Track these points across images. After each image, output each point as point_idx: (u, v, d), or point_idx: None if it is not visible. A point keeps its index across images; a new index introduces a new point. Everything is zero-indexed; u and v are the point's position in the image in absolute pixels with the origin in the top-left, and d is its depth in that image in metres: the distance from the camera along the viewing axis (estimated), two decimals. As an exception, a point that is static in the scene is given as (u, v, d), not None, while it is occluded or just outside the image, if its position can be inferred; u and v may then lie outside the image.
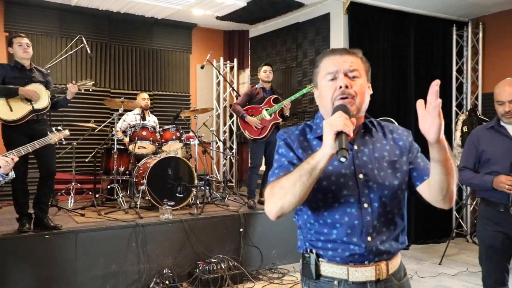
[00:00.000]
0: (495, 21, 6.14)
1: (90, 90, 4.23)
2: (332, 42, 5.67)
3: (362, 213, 1.39)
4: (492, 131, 2.75)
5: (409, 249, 5.69)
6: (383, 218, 1.42)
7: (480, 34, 6.25)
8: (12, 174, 2.80)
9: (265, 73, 5.12)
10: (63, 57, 5.44)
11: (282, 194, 1.31)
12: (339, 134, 1.23)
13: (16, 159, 2.79)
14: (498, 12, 6.03)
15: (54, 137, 3.57)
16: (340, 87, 1.39)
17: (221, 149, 7.19)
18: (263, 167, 5.25)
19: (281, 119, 5.07)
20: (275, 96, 5.14)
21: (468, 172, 2.79)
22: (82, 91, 4.14)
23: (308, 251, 1.46)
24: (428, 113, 1.23)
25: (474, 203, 5.95)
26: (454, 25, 6.25)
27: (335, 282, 1.42)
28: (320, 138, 1.45)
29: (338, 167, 1.41)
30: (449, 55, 6.29)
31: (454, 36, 6.28)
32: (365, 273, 1.40)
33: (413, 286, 4.45)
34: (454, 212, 6.19)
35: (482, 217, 2.81)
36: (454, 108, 6.34)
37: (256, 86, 5.23)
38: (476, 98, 6.34)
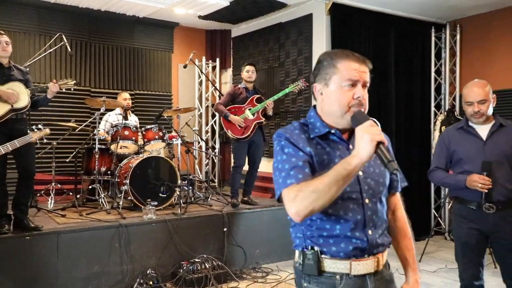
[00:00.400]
0: (472, 23, 6.30)
1: (72, 89, 4.16)
2: (314, 42, 5.72)
3: (364, 208, 1.47)
4: (462, 131, 2.83)
5: (390, 247, 5.78)
6: (379, 213, 1.52)
7: (458, 36, 6.41)
8: None
9: (248, 73, 5.12)
10: (42, 56, 5.33)
11: (315, 198, 1.34)
12: (379, 144, 1.30)
13: None
14: (475, 15, 6.19)
15: (35, 135, 3.50)
16: (358, 97, 1.46)
17: (204, 149, 7.17)
18: (246, 167, 5.26)
19: (264, 119, 5.09)
20: (258, 95, 5.15)
21: (441, 172, 2.87)
22: (64, 90, 4.07)
23: (309, 248, 1.48)
24: None
25: (452, 202, 6.09)
26: (433, 27, 6.39)
27: (337, 277, 1.46)
28: (320, 137, 1.51)
29: None
30: (428, 56, 6.43)
31: (433, 38, 6.42)
32: (366, 266, 1.47)
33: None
34: (433, 211, 6.33)
35: (456, 216, 2.89)
36: (432, 109, 6.47)
37: (239, 86, 5.23)
38: (454, 99, 6.50)
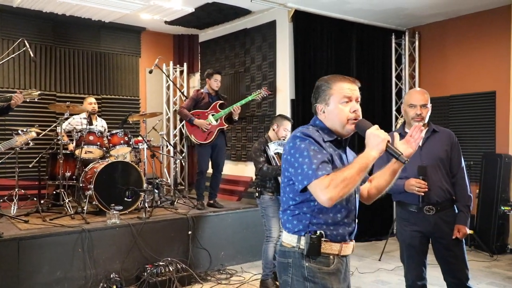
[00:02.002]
0: (429, 31, 6.57)
1: (36, 99, 4.14)
2: (278, 48, 5.85)
3: (356, 200, 1.87)
4: (400, 138, 2.99)
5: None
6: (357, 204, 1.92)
7: (417, 43, 6.67)
8: None
9: (216, 82, 5.23)
10: (4, 60, 5.28)
11: (345, 185, 1.65)
12: (387, 143, 1.71)
13: None
14: (432, 22, 6.47)
15: (20, 139, 3.44)
16: (355, 111, 1.82)
17: (171, 153, 7.21)
18: (210, 170, 5.35)
19: (226, 125, 5.20)
20: (221, 101, 5.25)
21: None
22: (28, 100, 4.06)
23: (313, 233, 1.79)
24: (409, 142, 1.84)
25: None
26: (393, 34, 6.63)
27: (331, 257, 1.81)
28: (330, 141, 1.85)
29: (344, 164, 1.84)
30: (389, 62, 6.67)
31: (393, 44, 6.66)
32: (348, 248, 1.86)
33: (352, 282, 4.70)
34: (395, 211, 6.55)
35: (399, 219, 3.03)
36: (394, 112, 6.71)
37: (202, 90, 5.32)
38: (414, 103, 6.74)
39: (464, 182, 2.90)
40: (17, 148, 5.11)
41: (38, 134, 5.33)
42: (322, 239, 1.77)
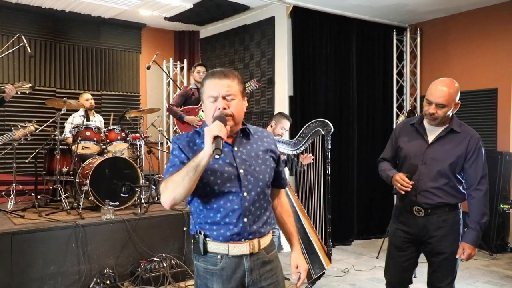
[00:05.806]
0: (431, 27, 6.50)
1: (27, 92, 4.15)
2: (277, 45, 5.82)
3: (242, 200, 1.73)
4: (414, 128, 2.68)
5: (351, 244, 5.94)
6: (257, 204, 1.77)
7: (418, 39, 6.59)
8: None
9: (199, 74, 5.22)
10: (4, 55, 5.31)
11: (174, 188, 1.62)
12: (216, 138, 1.55)
13: None
14: (434, 19, 6.39)
15: (18, 133, 3.47)
16: (219, 108, 1.71)
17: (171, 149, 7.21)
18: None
19: None
20: None
21: (384, 163, 2.78)
22: (19, 93, 4.07)
23: (198, 233, 1.79)
24: None
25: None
26: (394, 30, 6.56)
27: (218, 256, 1.76)
28: None
29: (223, 165, 1.74)
30: (390, 58, 6.60)
31: (395, 41, 6.59)
32: (241, 248, 1.75)
33: (348, 279, 4.65)
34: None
35: (393, 214, 2.80)
36: (395, 109, 6.65)
37: (190, 87, 5.30)
38: (415, 100, 6.69)
39: (479, 195, 2.52)
40: (15, 143, 5.15)
41: (36, 129, 5.36)
42: (207, 239, 1.76)
